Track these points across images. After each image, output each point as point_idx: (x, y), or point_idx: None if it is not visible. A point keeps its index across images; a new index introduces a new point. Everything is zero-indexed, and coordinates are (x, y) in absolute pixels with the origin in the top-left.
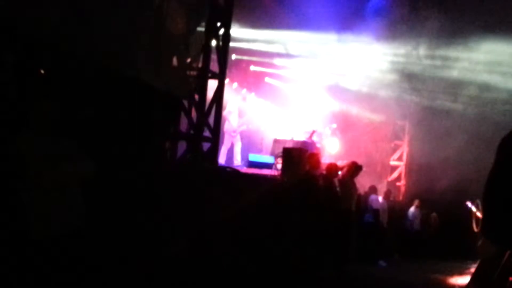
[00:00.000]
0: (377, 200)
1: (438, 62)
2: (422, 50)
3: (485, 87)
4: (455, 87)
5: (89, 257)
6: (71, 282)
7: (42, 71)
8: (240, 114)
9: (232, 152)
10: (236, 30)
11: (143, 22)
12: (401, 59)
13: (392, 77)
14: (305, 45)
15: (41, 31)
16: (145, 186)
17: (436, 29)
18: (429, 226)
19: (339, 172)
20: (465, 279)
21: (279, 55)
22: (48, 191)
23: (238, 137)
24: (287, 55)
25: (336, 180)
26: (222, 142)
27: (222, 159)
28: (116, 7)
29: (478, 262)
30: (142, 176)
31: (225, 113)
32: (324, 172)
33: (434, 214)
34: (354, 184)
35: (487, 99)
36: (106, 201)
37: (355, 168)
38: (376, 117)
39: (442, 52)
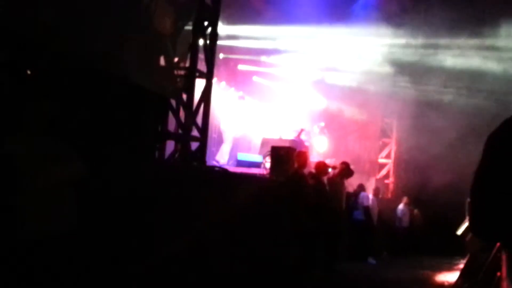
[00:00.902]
0: (368, 198)
1: (428, 51)
2: (411, 41)
3: (478, 76)
4: (445, 78)
5: (81, 258)
6: (62, 283)
7: (29, 72)
8: (238, 118)
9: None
10: (223, 27)
11: (133, 21)
12: (389, 52)
13: (379, 73)
14: (293, 39)
15: (34, 31)
16: (136, 186)
17: (424, 18)
18: (412, 223)
19: (330, 170)
20: (454, 275)
21: (267, 51)
22: (40, 192)
23: (231, 138)
24: (275, 51)
25: (325, 179)
26: (223, 141)
27: (225, 157)
28: (107, 7)
29: (466, 258)
30: (133, 176)
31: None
32: (313, 170)
33: (416, 210)
34: (343, 184)
35: (480, 89)
36: (98, 202)
37: (347, 172)
38: (364, 115)
39: (431, 41)
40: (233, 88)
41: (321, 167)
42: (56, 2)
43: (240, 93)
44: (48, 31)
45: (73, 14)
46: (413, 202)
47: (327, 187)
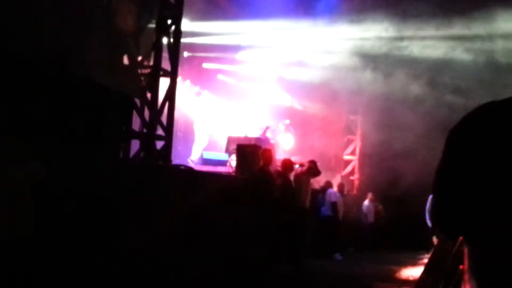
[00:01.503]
0: (335, 194)
1: (394, 45)
2: (377, 35)
3: (444, 70)
4: (411, 72)
5: (39, 261)
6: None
7: None
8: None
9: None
10: (187, 25)
11: (94, 20)
12: (355, 47)
13: (344, 68)
14: (258, 35)
15: None
16: (100, 186)
17: (390, 10)
18: (377, 219)
19: (297, 166)
20: (418, 270)
21: (231, 49)
22: None
23: (202, 137)
24: (240, 48)
25: (291, 175)
26: (193, 140)
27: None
28: (64, 6)
29: (431, 252)
30: (96, 176)
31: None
32: (279, 168)
33: (380, 206)
34: (308, 181)
35: (446, 83)
36: (60, 203)
37: (314, 170)
38: (329, 112)
39: (397, 34)
40: (198, 87)
41: (287, 164)
42: (12, 1)
43: (197, 89)
44: (4, 31)
45: (32, 13)
46: (379, 198)
47: (293, 184)
